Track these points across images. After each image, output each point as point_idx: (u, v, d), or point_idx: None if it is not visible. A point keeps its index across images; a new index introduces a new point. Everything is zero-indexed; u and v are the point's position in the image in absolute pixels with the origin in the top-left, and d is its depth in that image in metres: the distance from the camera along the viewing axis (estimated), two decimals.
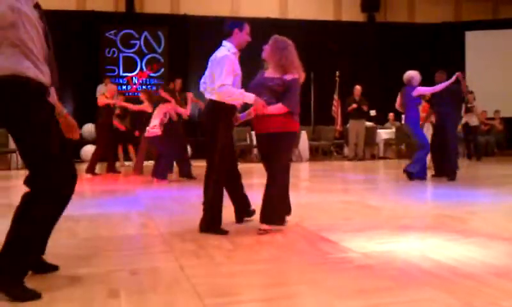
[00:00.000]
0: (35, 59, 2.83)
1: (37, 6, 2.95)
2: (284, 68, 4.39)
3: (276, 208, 4.39)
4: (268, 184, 4.39)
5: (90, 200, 6.88)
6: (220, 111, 4.40)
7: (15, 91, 2.75)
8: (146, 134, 8.88)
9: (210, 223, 4.40)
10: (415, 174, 8.33)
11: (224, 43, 4.65)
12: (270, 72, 4.50)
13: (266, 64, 4.61)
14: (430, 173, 9.01)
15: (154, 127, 8.74)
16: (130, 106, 11.20)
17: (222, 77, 4.34)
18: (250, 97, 4.34)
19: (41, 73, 2.89)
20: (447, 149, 8.66)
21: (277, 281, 3.05)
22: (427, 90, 8.73)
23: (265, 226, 4.33)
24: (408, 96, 8.59)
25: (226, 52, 4.52)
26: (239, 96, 4.38)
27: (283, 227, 4.47)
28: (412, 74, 8.71)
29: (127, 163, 12.66)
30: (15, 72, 2.74)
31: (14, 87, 2.75)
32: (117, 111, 12.18)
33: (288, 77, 4.38)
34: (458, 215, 5.21)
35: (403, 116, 9.12)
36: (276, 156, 4.36)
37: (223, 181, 4.51)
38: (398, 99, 8.94)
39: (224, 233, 4.34)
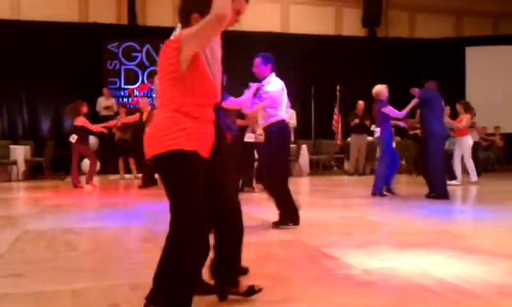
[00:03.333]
0: None
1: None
2: None
3: None
4: None
5: (91, 213, 6.87)
6: None
7: None
8: None
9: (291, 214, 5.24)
10: (375, 191, 8.50)
11: None
12: None
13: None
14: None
15: None
16: (127, 120, 11.40)
17: None
18: None
19: None
20: (430, 167, 8.34)
21: (279, 298, 3.03)
22: (392, 114, 8.66)
23: None
24: (379, 112, 8.68)
25: None
26: None
27: None
28: (379, 89, 8.77)
29: (127, 176, 12.65)
30: None
31: None
32: (119, 124, 12.23)
33: None
34: (459, 232, 5.20)
35: (377, 129, 9.07)
36: None
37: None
38: (374, 112, 9.07)
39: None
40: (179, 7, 2.71)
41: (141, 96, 13.69)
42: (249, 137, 8.68)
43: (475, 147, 14.06)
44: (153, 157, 2.52)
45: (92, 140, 14.44)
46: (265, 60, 5.29)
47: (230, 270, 3.02)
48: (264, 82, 5.29)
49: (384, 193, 8.63)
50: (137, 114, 10.79)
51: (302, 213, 5.50)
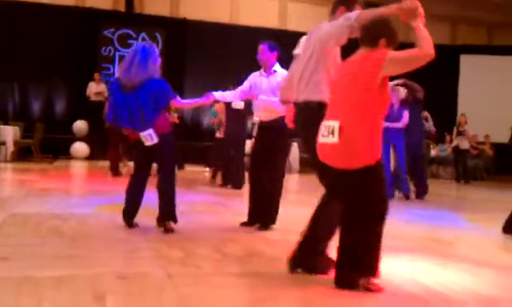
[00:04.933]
0: None
1: None
2: None
3: None
4: None
5: (79, 199, 6.82)
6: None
7: None
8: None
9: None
10: None
11: None
12: None
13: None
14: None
15: None
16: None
17: None
18: None
19: None
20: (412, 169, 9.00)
21: (265, 296, 3.01)
22: None
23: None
24: None
25: None
26: None
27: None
28: None
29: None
30: None
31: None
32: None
33: None
34: (446, 239, 5.22)
35: None
36: None
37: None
38: None
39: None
40: (366, 30, 3.19)
41: None
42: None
43: (464, 155, 14.15)
44: (352, 169, 2.96)
45: (81, 125, 14.36)
46: (271, 48, 5.19)
47: None
48: (271, 70, 5.20)
49: None
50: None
51: (291, 211, 5.48)
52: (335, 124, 2.99)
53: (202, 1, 16.07)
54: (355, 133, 2.93)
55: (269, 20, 16.48)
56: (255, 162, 5.27)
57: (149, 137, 4.60)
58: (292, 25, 16.66)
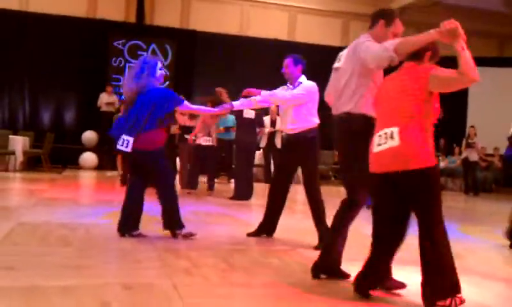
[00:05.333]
0: None
1: None
2: None
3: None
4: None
5: (87, 208, 6.85)
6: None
7: None
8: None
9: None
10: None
11: None
12: None
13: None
14: None
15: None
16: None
17: None
18: None
19: None
20: None
21: None
22: None
23: None
24: None
25: None
26: None
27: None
28: None
29: None
30: None
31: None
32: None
33: None
34: (454, 252, 5.15)
35: None
36: None
37: None
38: None
39: None
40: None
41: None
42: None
43: (474, 167, 14.08)
44: (414, 170, 3.01)
45: (90, 135, 14.46)
46: (296, 61, 5.17)
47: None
48: (296, 83, 5.16)
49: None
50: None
51: (298, 223, 5.47)
52: (393, 129, 3.08)
53: (212, 13, 16.17)
54: (412, 137, 3.03)
55: (278, 31, 16.54)
56: (281, 175, 5.25)
57: (125, 142, 4.58)
58: (300, 37, 16.72)
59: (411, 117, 3.06)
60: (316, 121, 5.18)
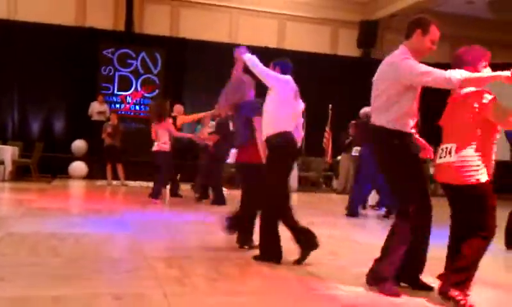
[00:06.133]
0: None
1: None
2: None
3: None
4: None
5: (76, 218, 6.81)
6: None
7: None
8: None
9: None
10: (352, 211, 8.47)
11: None
12: None
13: None
14: None
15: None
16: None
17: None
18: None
19: None
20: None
21: None
22: None
23: None
24: (364, 132, 8.96)
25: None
26: None
27: None
28: (368, 111, 8.86)
29: (114, 182, 12.54)
30: None
31: None
32: (109, 130, 12.19)
33: None
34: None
35: (358, 149, 9.31)
36: None
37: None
38: (356, 132, 9.17)
39: None
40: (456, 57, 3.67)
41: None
42: None
43: None
44: (465, 185, 3.33)
45: (80, 144, 14.38)
46: (284, 69, 4.92)
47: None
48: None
49: (362, 212, 8.85)
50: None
51: (287, 231, 5.44)
52: (452, 145, 3.39)
53: (202, 20, 16.18)
54: (468, 153, 3.33)
55: (268, 39, 16.58)
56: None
57: None
58: (289, 45, 16.78)
59: (467, 133, 3.36)
60: (287, 127, 4.62)
